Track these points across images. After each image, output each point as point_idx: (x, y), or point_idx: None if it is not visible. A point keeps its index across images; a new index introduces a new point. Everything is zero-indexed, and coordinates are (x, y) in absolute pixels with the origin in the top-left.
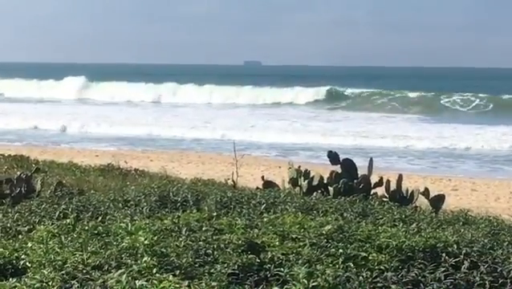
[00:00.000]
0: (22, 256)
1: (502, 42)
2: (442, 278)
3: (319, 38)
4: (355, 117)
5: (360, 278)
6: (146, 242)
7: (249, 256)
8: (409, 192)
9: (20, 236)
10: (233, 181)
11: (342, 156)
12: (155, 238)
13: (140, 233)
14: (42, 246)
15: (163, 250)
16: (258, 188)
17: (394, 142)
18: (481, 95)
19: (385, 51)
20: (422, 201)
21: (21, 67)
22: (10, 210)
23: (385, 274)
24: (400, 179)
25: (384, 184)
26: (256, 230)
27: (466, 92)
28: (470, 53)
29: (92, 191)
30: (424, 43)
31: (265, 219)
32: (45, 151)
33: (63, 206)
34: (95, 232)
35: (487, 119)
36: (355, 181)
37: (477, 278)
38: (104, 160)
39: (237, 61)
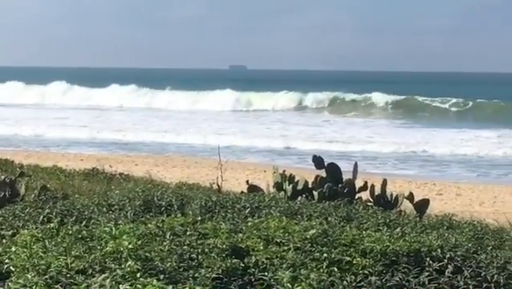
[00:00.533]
0: (6, 260)
1: (481, 48)
2: (426, 282)
3: (306, 43)
4: (336, 121)
5: (344, 282)
6: (130, 246)
7: (234, 260)
8: (394, 196)
9: (4, 240)
10: (217, 185)
11: (327, 161)
12: (139, 243)
13: (124, 237)
14: (25, 250)
15: (147, 254)
16: (242, 192)
17: (378, 146)
18: (457, 99)
19: (373, 56)
20: (407, 206)
21: None
22: None
23: (369, 278)
24: (384, 183)
25: (369, 188)
26: (240, 235)
27: (445, 96)
28: (457, 58)
29: (77, 195)
30: (413, 48)
31: (249, 223)
32: (30, 155)
33: (47, 210)
34: (79, 236)
35: (468, 123)
36: (340, 185)
37: (461, 283)
38: (89, 165)
39: (223, 65)
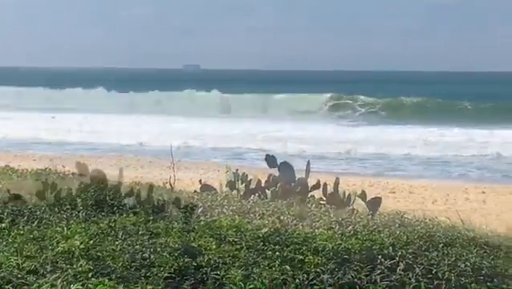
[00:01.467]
0: None
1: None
2: (378, 280)
3: (258, 42)
4: (283, 120)
5: (297, 280)
6: (82, 246)
7: (186, 259)
8: (346, 195)
9: None
10: (170, 184)
11: (280, 160)
12: (91, 242)
13: (76, 237)
14: None
15: (99, 253)
16: (195, 191)
17: (329, 146)
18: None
19: (327, 55)
20: (359, 204)
21: None
22: None
23: (321, 276)
24: (337, 182)
25: (322, 187)
26: (193, 234)
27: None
28: (405, 57)
29: (28, 195)
30: (362, 47)
31: (201, 222)
32: None
33: None
34: (31, 236)
35: (412, 120)
36: (293, 184)
37: (413, 280)
38: (42, 165)
39: (176, 65)
